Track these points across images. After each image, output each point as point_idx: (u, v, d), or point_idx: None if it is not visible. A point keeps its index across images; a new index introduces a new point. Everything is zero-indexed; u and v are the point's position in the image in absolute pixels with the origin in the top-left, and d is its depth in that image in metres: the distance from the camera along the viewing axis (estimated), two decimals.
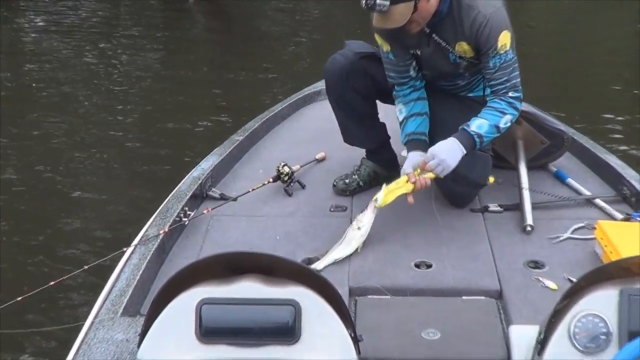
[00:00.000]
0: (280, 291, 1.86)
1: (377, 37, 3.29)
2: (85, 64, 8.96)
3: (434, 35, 3.15)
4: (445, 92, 3.36)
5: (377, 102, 3.54)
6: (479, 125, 3.11)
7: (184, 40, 10.07)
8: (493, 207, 3.36)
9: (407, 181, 3.06)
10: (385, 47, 3.31)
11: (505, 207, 3.35)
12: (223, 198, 3.50)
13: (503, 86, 3.14)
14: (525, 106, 3.40)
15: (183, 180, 3.54)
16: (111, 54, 9.36)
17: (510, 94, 3.15)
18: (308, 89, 4.78)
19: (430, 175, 3.07)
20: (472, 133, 3.09)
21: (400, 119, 3.37)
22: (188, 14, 11.72)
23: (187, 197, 3.32)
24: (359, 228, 3.07)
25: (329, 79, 3.46)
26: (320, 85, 4.61)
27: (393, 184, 3.08)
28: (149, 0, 12.15)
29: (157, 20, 11.35)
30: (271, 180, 3.53)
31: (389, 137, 3.60)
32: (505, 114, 3.14)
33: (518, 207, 3.31)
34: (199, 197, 3.47)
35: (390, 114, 3.51)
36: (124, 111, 7.41)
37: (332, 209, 3.43)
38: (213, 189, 3.55)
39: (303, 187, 3.62)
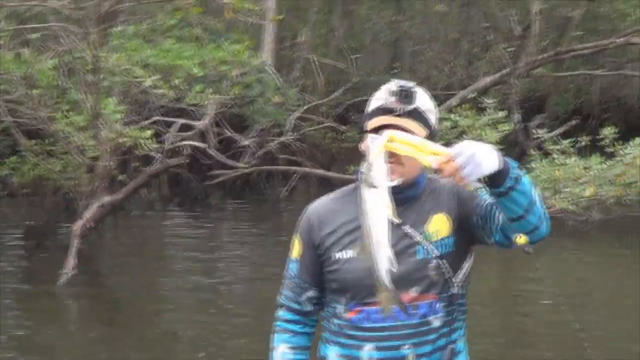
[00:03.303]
0: None
1: (297, 239, 3.11)
2: None
3: (403, 226, 2.97)
4: None
5: None
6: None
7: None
8: None
9: (431, 152, 2.69)
10: (296, 251, 3.11)
11: None
12: None
13: None
14: None
15: None
16: None
17: None
18: None
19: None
20: (511, 160, 2.75)
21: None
22: (54, 301, 10.70)
23: None
24: (374, 187, 2.71)
25: None
26: None
27: (407, 137, 2.75)
28: None
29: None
30: None
31: None
32: (535, 186, 2.84)
33: None
34: None
35: None
36: None
37: None
38: None
39: None
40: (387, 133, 2.75)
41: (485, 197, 2.92)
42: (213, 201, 16.86)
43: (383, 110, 2.95)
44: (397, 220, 2.77)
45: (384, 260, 2.73)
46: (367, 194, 2.72)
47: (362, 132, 3.03)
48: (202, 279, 11.58)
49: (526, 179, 2.76)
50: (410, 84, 2.94)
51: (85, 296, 10.96)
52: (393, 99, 2.91)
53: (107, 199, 11.84)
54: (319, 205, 3.14)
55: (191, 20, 12.99)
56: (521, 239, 2.84)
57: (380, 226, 2.72)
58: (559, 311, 8.57)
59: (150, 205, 15.97)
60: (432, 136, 2.96)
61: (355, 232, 2.96)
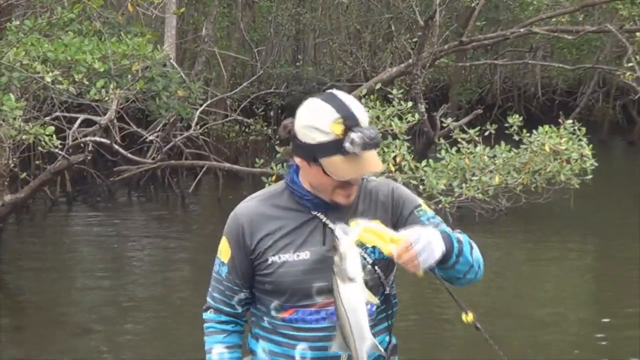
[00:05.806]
0: None
1: (226, 242, 3.08)
2: None
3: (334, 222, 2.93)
4: None
5: None
6: (456, 236, 2.88)
7: None
8: None
9: (390, 239, 2.73)
10: (225, 255, 3.07)
11: None
12: None
13: None
14: None
15: None
16: None
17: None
18: None
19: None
20: (451, 234, 2.83)
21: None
22: None
23: None
24: (350, 279, 2.72)
25: None
26: None
27: (374, 227, 2.78)
28: None
29: None
30: None
31: None
32: (472, 247, 2.93)
33: None
34: None
35: None
36: None
37: None
38: None
39: None
40: (362, 225, 2.75)
41: (425, 221, 2.96)
42: (119, 198, 16.64)
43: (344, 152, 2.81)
44: (375, 302, 2.91)
45: (365, 355, 2.78)
46: (342, 287, 2.73)
47: (314, 160, 2.87)
48: (109, 277, 11.39)
49: (466, 248, 2.85)
50: (371, 131, 2.79)
51: None
52: (357, 149, 2.78)
53: (8, 197, 11.56)
54: (247, 208, 3.07)
55: (91, 13, 12.72)
56: (469, 317, 3.02)
57: (361, 321, 2.76)
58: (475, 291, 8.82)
59: (54, 203, 15.67)
60: None
61: (288, 235, 2.98)
